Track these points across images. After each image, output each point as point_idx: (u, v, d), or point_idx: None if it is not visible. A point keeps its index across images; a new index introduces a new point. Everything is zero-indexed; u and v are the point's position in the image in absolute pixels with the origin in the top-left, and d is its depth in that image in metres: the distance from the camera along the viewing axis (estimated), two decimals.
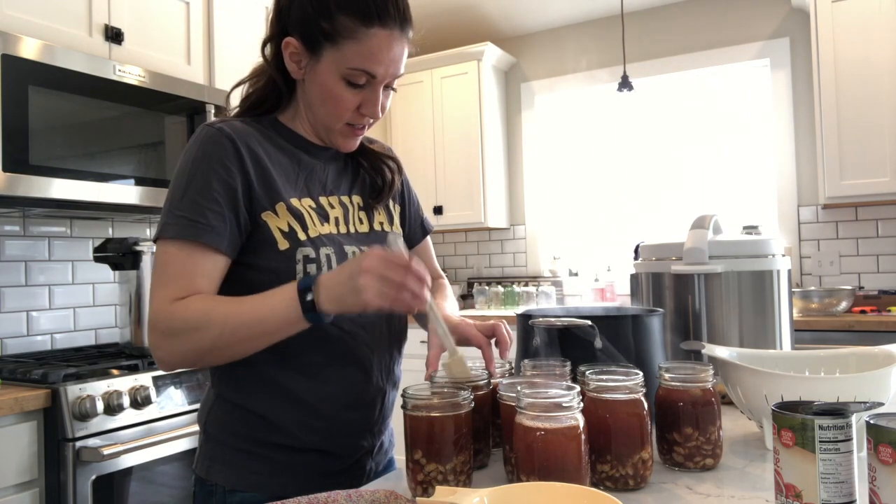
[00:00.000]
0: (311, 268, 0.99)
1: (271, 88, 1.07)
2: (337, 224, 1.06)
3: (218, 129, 0.99)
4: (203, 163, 0.97)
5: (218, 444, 1.04)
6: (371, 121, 1.05)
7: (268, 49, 1.06)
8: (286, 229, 0.99)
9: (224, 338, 0.90)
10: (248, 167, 0.98)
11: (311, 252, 0.99)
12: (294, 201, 1.01)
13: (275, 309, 0.90)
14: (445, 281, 1.32)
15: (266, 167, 1.00)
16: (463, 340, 1.06)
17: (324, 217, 1.04)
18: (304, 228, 1.00)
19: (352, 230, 1.08)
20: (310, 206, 1.03)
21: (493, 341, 1.06)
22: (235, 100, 1.12)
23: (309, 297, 0.88)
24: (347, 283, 0.86)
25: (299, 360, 1.00)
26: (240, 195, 0.97)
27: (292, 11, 1.00)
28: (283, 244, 0.98)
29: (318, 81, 1.00)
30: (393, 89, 1.06)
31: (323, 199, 1.06)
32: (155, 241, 0.97)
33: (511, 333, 1.08)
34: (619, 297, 3.72)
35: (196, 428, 1.12)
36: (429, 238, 1.30)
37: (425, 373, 1.01)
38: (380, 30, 0.96)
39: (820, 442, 0.67)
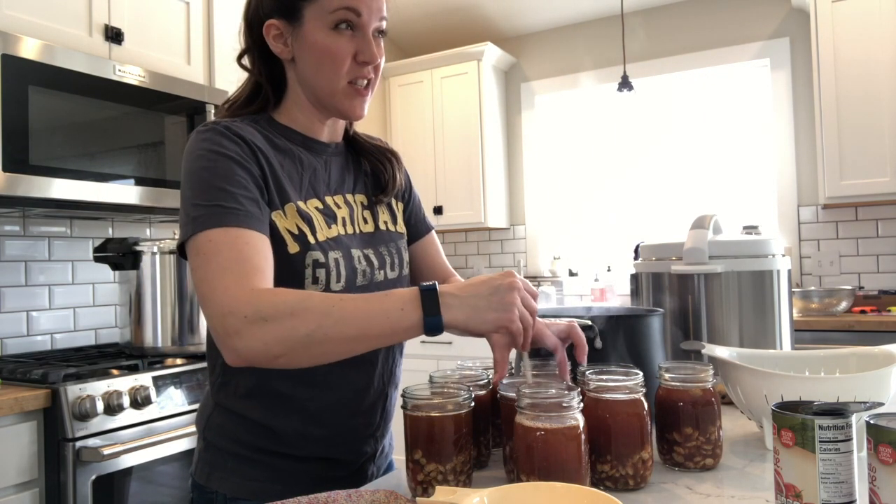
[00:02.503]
0: (321, 273, 0.97)
1: (256, 90, 1.06)
2: (344, 224, 1.04)
3: (225, 126, 0.97)
4: (220, 154, 0.93)
5: (218, 451, 1.02)
6: (371, 72, 1.01)
7: (245, 61, 1.06)
8: (296, 232, 0.97)
9: (323, 329, 0.81)
10: (261, 162, 0.97)
11: (320, 256, 0.97)
12: (301, 204, 0.99)
13: (388, 309, 0.82)
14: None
15: (274, 166, 0.99)
16: (535, 340, 0.99)
17: (331, 218, 1.02)
18: (313, 232, 0.98)
19: (357, 230, 1.06)
20: (316, 208, 1.01)
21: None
22: None
23: (432, 301, 0.81)
24: (490, 296, 0.81)
25: (300, 367, 0.98)
26: (262, 184, 0.95)
27: (263, 3, 1.00)
28: (294, 247, 0.96)
29: (308, 44, 0.98)
30: (383, 33, 1.03)
31: (329, 199, 1.04)
32: (185, 241, 0.90)
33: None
34: (619, 297, 3.72)
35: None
36: (434, 235, 1.26)
37: (494, 377, 0.93)
38: None
39: (820, 442, 0.67)
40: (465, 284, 0.85)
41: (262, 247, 0.90)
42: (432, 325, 0.82)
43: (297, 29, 0.99)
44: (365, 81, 1.02)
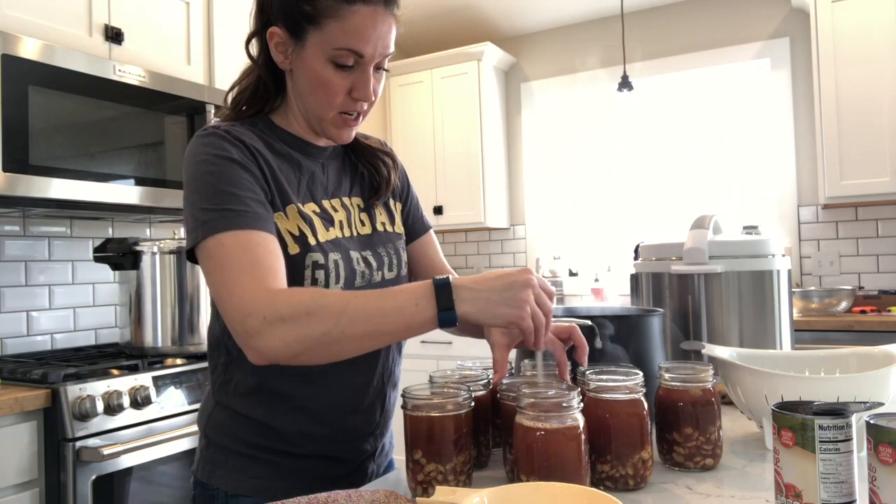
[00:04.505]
0: (320, 274, 0.97)
1: (259, 87, 1.05)
2: (342, 227, 1.04)
3: (225, 131, 0.97)
4: (224, 158, 0.94)
5: (219, 448, 1.03)
6: (365, 106, 1.01)
7: (253, 46, 1.04)
8: (296, 233, 0.97)
9: (339, 327, 0.82)
10: (262, 165, 0.97)
11: (320, 258, 0.97)
12: (300, 206, 1.00)
13: (402, 306, 0.83)
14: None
15: (273, 170, 0.99)
16: None
17: (329, 221, 1.03)
18: (314, 233, 0.99)
19: (354, 233, 1.06)
20: (314, 212, 1.02)
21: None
22: None
23: (446, 295, 0.81)
24: (504, 291, 0.81)
25: (299, 366, 0.97)
26: (265, 187, 0.95)
27: (274, 0, 0.98)
28: (294, 248, 0.96)
29: (306, 68, 0.97)
30: (385, 70, 1.02)
31: (326, 203, 1.04)
32: (195, 245, 0.91)
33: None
34: (619, 297, 3.72)
35: (196, 428, 1.11)
36: (432, 234, 1.25)
37: (494, 377, 0.95)
38: (362, 6, 0.93)
39: (820, 442, 0.67)
40: (479, 278, 0.85)
41: (273, 248, 0.91)
42: (446, 319, 0.82)
43: (298, 46, 0.97)
44: (356, 113, 1.01)
